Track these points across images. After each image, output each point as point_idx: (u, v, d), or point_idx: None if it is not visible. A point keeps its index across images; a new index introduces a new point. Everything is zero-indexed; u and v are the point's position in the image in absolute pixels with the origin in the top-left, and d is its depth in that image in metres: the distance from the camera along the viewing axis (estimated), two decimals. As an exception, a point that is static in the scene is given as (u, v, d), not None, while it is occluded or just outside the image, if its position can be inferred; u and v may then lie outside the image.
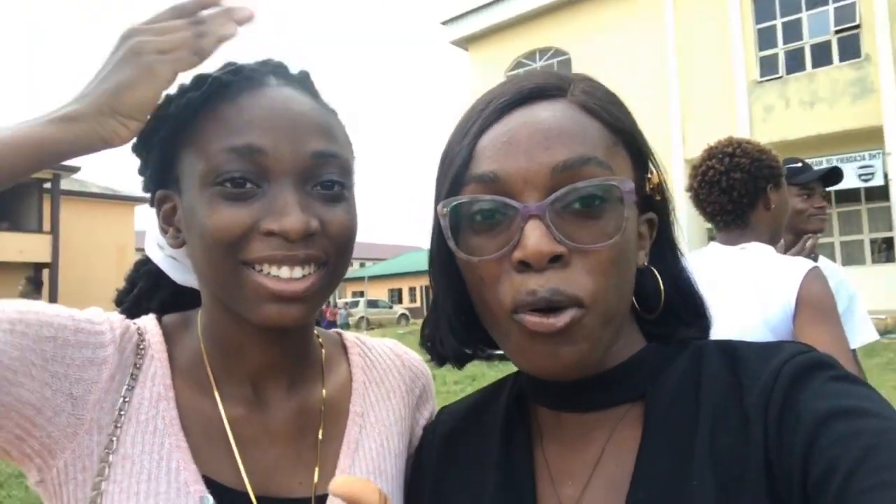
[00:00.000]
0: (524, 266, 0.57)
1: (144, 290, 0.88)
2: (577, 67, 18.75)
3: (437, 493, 0.74)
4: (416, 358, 0.92)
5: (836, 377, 0.55)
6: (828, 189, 2.35)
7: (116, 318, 0.74)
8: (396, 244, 70.10)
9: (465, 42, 22.28)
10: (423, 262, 36.91)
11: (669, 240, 0.70)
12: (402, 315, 32.77)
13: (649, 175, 0.66)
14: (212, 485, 0.69)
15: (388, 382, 0.86)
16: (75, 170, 24.81)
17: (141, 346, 0.74)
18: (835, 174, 2.31)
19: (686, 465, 0.57)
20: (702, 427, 0.58)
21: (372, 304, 32.72)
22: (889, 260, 15.61)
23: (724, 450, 0.56)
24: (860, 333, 2.15)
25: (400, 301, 38.82)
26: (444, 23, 22.56)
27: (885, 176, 14.87)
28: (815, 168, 2.42)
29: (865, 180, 15.16)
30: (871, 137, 14.92)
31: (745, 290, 1.78)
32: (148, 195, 0.78)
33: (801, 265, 1.77)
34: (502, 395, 0.76)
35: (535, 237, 0.56)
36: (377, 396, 0.84)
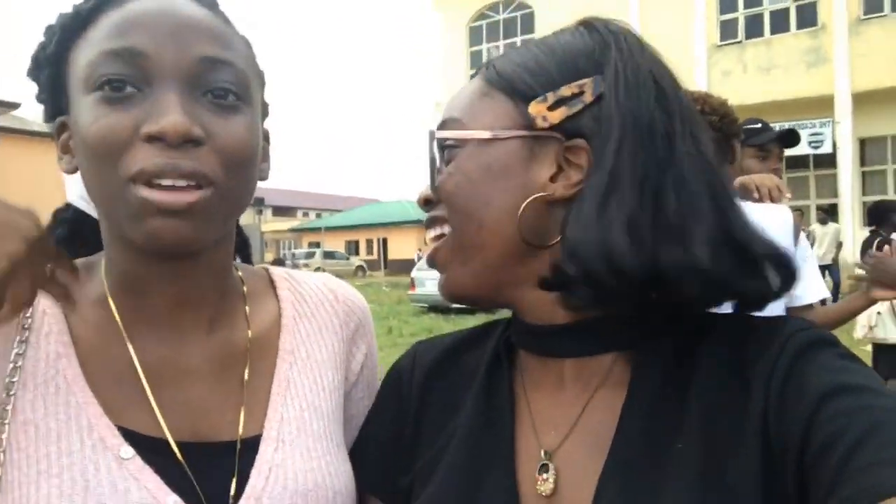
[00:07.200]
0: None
1: (62, 239, 0.82)
2: (541, 21, 18.52)
3: (418, 433, 0.74)
4: (353, 292, 0.88)
5: (841, 354, 0.56)
6: (785, 151, 2.37)
7: None
8: (354, 195, 69.36)
9: (429, -11, 21.72)
10: (381, 215, 36.97)
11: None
12: (359, 267, 32.60)
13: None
14: (130, 436, 0.66)
15: (319, 317, 0.83)
16: (15, 106, 23.48)
17: None
18: (792, 136, 2.32)
19: (672, 427, 0.57)
20: (694, 392, 0.58)
21: (328, 255, 32.36)
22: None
23: (717, 417, 0.56)
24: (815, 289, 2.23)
25: (357, 253, 38.45)
26: (408, -32, 21.87)
27: (834, 144, 15.31)
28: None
29: (815, 147, 15.58)
30: (822, 106, 15.28)
31: None
32: (54, 128, 0.72)
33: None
34: (490, 339, 0.76)
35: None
36: (308, 331, 0.81)
